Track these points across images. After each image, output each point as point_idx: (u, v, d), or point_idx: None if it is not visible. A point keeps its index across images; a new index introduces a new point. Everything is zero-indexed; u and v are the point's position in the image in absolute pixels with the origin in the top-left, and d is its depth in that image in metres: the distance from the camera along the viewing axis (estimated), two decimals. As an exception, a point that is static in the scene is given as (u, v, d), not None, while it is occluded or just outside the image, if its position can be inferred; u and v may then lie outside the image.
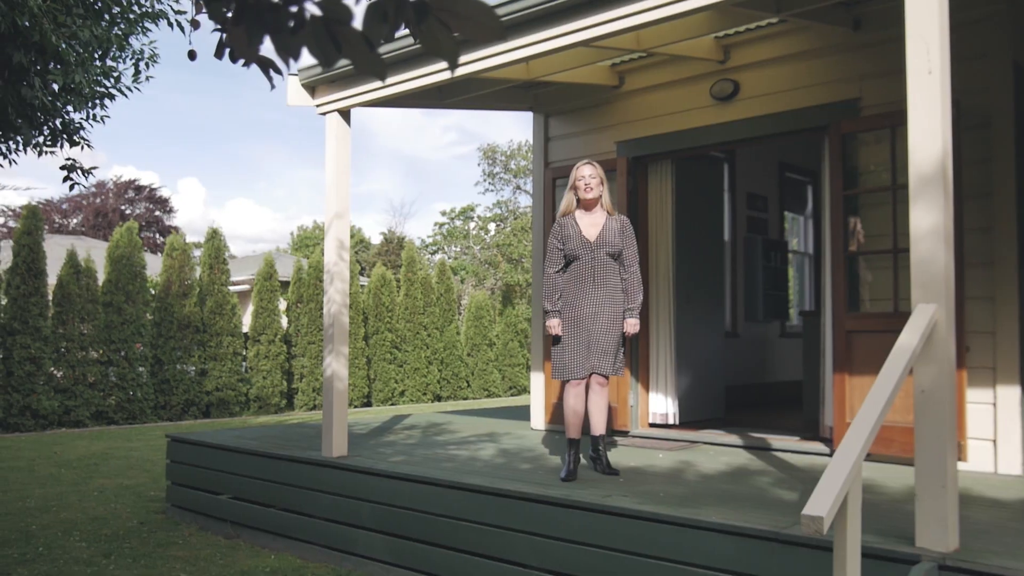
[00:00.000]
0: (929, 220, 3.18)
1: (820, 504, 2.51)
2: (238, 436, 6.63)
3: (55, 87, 4.13)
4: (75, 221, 39.77)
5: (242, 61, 1.19)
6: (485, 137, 66.54)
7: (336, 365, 5.64)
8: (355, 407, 15.46)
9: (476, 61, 4.88)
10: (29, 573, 4.71)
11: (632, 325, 4.84)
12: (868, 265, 5.52)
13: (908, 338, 3.07)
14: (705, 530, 3.55)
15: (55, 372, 12.15)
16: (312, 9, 1.09)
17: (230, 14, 1.11)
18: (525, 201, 34.96)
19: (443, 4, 1.06)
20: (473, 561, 4.34)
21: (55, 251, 14.39)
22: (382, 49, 4.93)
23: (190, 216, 64.80)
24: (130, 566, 4.87)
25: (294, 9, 1.10)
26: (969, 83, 4.98)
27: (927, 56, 3.22)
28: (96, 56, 4.42)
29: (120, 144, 66.41)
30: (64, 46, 3.55)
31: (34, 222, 12.12)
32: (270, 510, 5.58)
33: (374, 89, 5.47)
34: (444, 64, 4.94)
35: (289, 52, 1.13)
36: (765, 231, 9.66)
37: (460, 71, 4.98)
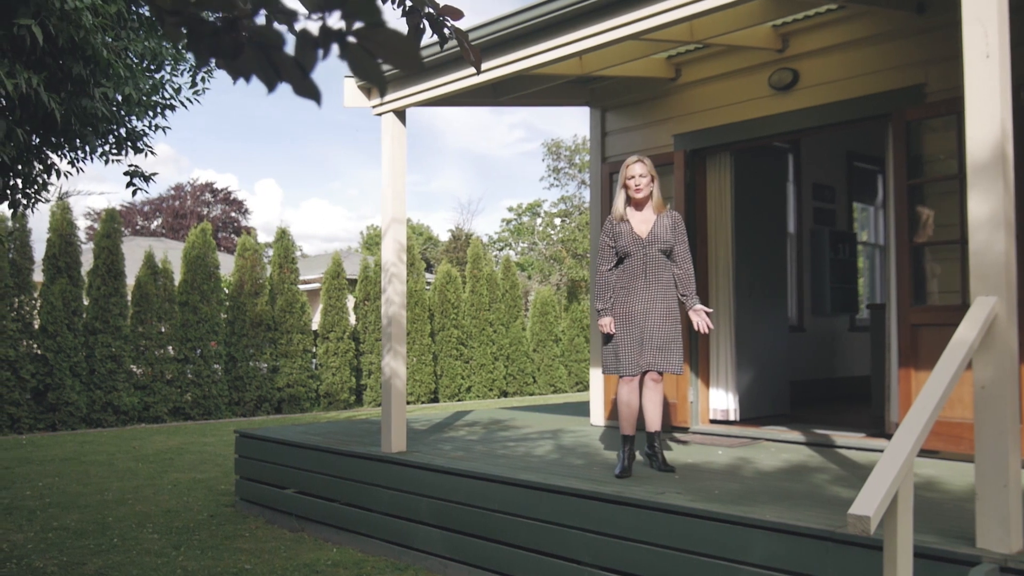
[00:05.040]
0: (988, 209, 3.07)
1: (867, 503, 2.45)
2: (303, 432, 6.79)
3: (119, 97, 4.30)
4: (156, 223, 41.20)
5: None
6: (551, 133, 66.42)
7: (394, 363, 5.72)
8: (422, 403, 15.66)
9: (525, 59, 4.88)
10: (103, 563, 4.91)
11: (702, 309, 4.74)
12: (935, 256, 5.35)
13: (966, 331, 2.97)
14: (757, 528, 3.50)
15: (135, 369, 12.63)
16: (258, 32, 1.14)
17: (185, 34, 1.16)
18: (590, 196, 34.74)
19: (366, 34, 1.12)
20: (528, 557, 4.36)
21: (136, 253, 14.95)
22: (429, 52, 4.98)
23: (267, 217, 66.55)
24: (198, 557, 5.04)
25: (234, 34, 1.14)
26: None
27: (985, 39, 3.11)
28: (151, 68, 4.59)
29: (200, 148, 68.61)
30: (114, 59, 3.70)
31: (113, 225, 12.59)
32: (333, 504, 5.69)
33: (428, 89, 5.52)
34: (490, 64, 4.97)
35: (239, 74, 1.17)
36: (832, 222, 9.42)
37: (510, 68, 5.00)
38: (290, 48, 1.16)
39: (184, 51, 4.95)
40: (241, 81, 1.23)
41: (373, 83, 1.18)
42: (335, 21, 1.12)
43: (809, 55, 6.03)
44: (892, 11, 5.46)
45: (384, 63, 1.16)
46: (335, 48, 1.13)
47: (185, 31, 1.16)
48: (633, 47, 5.92)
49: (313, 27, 1.12)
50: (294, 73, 1.14)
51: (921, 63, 5.43)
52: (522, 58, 4.90)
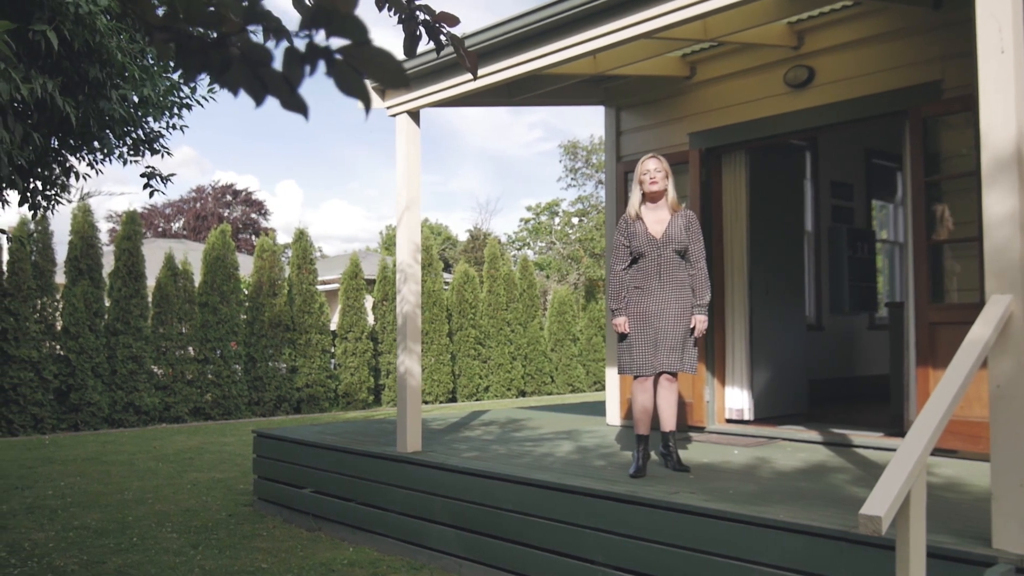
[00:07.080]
0: (1003, 207, 3.04)
1: (878, 503, 2.44)
2: (320, 431, 6.82)
3: (135, 99, 4.36)
4: (177, 225, 41.58)
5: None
6: (570, 133, 66.15)
7: (409, 362, 5.74)
8: (440, 403, 15.69)
9: (539, 58, 4.88)
10: (122, 562, 4.97)
11: (700, 321, 4.76)
12: (953, 254, 5.30)
13: (981, 330, 2.94)
14: (772, 528, 3.48)
15: (156, 370, 12.74)
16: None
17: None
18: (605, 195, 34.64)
19: (351, 51, 1.15)
20: (542, 556, 4.36)
21: (157, 254, 15.10)
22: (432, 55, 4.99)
23: (288, 218, 66.94)
24: (216, 556, 5.08)
25: (223, 50, 1.16)
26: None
27: (999, 35, 3.08)
28: (167, 69, 4.64)
29: (222, 150, 69.21)
30: (129, 62, 3.75)
31: (133, 227, 12.71)
32: (349, 504, 5.72)
33: (442, 90, 5.53)
34: (502, 64, 4.97)
35: (227, 87, 1.19)
36: (851, 220, 9.35)
37: (524, 68, 5.00)
38: (278, 63, 1.18)
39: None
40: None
41: (358, 98, 1.20)
42: (322, 38, 1.14)
43: (825, 52, 5.99)
44: (908, 7, 5.41)
45: (371, 80, 1.18)
46: (322, 64, 1.16)
47: (174, 47, 1.18)
48: (647, 45, 5.90)
49: (300, 44, 1.14)
50: (282, 88, 1.16)
51: (938, 59, 5.37)
52: (536, 57, 4.90)
